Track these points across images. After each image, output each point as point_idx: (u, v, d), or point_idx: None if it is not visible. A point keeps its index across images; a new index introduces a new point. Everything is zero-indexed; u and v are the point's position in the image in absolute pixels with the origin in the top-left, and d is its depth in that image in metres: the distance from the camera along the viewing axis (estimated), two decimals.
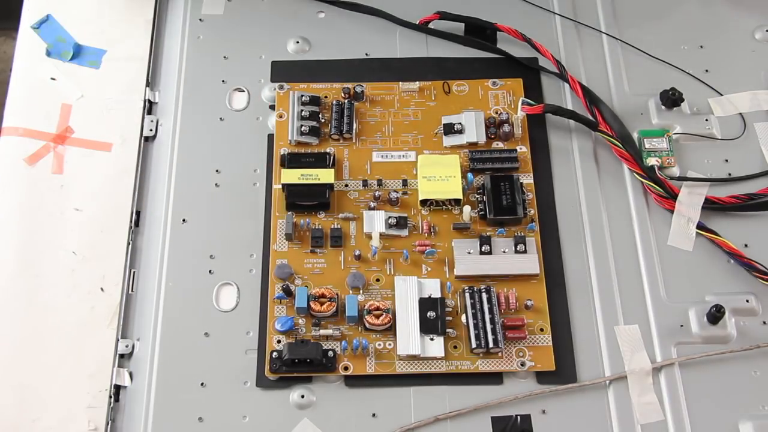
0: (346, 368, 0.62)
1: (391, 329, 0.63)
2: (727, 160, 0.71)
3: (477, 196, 0.68)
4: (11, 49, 0.81)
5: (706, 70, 0.75)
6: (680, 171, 0.70)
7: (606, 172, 0.71)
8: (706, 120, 0.72)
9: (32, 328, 0.65)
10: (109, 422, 0.62)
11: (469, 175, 0.68)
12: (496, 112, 0.71)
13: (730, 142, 0.72)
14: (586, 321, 0.65)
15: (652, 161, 0.70)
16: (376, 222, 0.66)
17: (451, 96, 0.73)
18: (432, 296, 0.63)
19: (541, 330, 0.63)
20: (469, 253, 0.65)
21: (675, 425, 0.61)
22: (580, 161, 0.71)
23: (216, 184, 0.70)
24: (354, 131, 0.70)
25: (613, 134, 0.70)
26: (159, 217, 0.68)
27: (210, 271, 0.66)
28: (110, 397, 0.62)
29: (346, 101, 0.71)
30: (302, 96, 0.71)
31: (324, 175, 0.67)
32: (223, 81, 0.74)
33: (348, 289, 0.64)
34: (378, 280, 0.65)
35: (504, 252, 0.65)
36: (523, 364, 0.62)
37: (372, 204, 0.67)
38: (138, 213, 0.69)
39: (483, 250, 0.65)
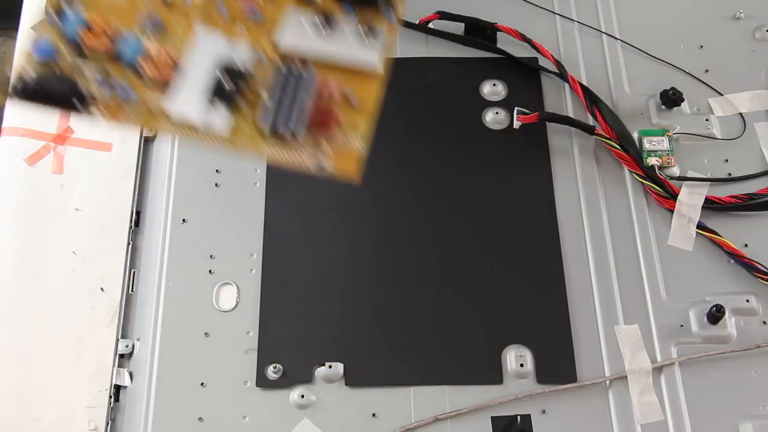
0: (99, 112, 0.50)
1: (169, 85, 0.51)
2: (727, 160, 0.71)
3: None
4: (11, 49, 0.81)
5: (706, 70, 0.75)
6: (680, 171, 0.70)
7: (606, 172, 0.71)
8: (706, 120, 0.72)
9: (32, 328, 0.65)
10: (109, 422, 0.62)
11: None
12: None
13: (730, 142, 0.72)
14: (586, 321, 0.65)
15: (652, 161, 0.70)
16: None
17: None
18: (238, 65, 0.52)
19: (355, 131, 0.51)
20: (305, 28, 0.53)
21: (675, 425, 0.61)
22: (580, 162, 0.71)
23: (216, 184, 0.70)
24: None
25: (612, 136, 0.70)
26: (159, 217, 0.68)
27: (210, 271, 0.66)
28: (110, 397, 0.62)
29: None
30: None
31: None
32: None
33: (136, 27, 0.52)
34: (178, 27, 0.53)
35: (347, 37, 0.52)
36: (320, 165, 0.51)
37: None
38: (138, 213, 0.69)
39: (322, 28, 0.52)
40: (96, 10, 0.53)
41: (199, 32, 0.53)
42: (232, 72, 0.52)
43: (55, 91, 0.51)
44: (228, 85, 0.52)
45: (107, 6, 0.53)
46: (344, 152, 0.51)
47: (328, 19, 0.54)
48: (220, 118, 0.51)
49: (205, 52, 0.52)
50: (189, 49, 0.52)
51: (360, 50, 0.53)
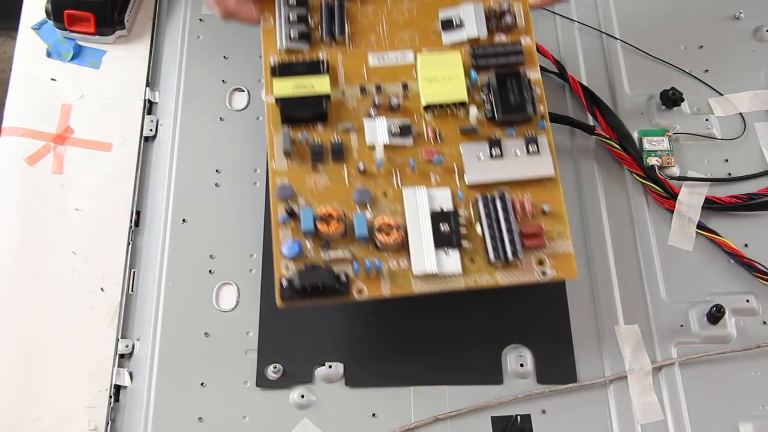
0: (360, 291, 0.57)
1: (404, 247, 0.58)
2: (727, 160, 0.71)
3: (483, 95, 0.63)
4: (11, 49, 0.81)
5: (706, 70, 0.75)
6: (680, 171, 0.70)
7: (606, 172, 0.71)
8: (706, 120, 0.72)
9: (32, 328, 0.65)
10: (109, 422, 0.62)
11: (473, 72, 0.63)
12: (496, 2, 0.65)
13: (730, 142, 0.72)
14: (586, 321, 0.65)
15: (652, 161, 0.70)
16: (378, 132, 0.61)
17: None
18: (444, 208, 0.59)
19: (560, 235, 0.59)
20: (479, 158, 0.61)
21: (675, 425, 0.61)
22: (580, 161, 0.71)
23: (216, 184, 0.70)
24: (346, 33, 0.65)
25: (612, 136, 0.70)
26: (159, 217, 0.68)
27: (210, 271, 0.66)
28: (110, 397, 0.62)
29: (335, 0, 0.66)
30: None
31: (319, 84, 0.62)
32: (223, 81, 0.74)
33: (355, 206, 0.59)
34: (385, 194, 0.60)
35: (516, 154, 0.61)
36: (544, 273, 0.58)
37: (372, 112, 0.62)
38: (138, 213, 0.69)
39: (493, 153, 0.60)
40: (321, 201, 0.59)
41: (405, 192, 0.60)
42: (442, 216, 0.59)
43: (317, 282, 0.57)
44: (444, 228, 0.58)
45: (328, 195, 0.60)
46: (559, 256, 0.59)
47: (494, 143, 0.61)
48: (451, 259, 0.58)
49: (416, 207, 0.59)
50: (406, 210, 0.59)
51: (530, 163, 0.61)
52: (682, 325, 0.64)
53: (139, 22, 0.77)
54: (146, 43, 0.76)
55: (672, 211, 0.68)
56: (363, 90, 0.63)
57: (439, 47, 0.65)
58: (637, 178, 0.69)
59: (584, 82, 0.73)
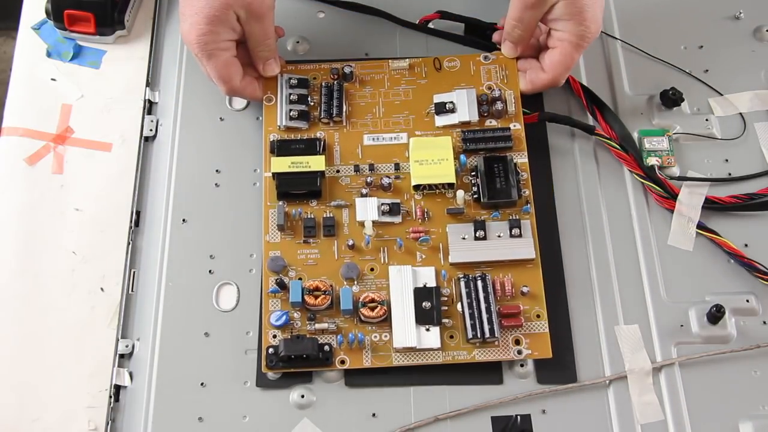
0: (342, 362, 0.61)
1: (386, 321, 0.62)
2: (727, 160, 0.71)
3: (470, 178, 0.67)
4: (11, 49, 0.81)
5: (706, 70, 0.75)
6: (680, 171, 0.70)
7: (606, 172, 0.71)
8: (706, 120, 0.72)
9: (32, 328, 0.65)
10: (109, 422, 0.62)
11: (462, 156, 0.67)
12: (489, 88, 0.70)
13: (730, 142, 0.72)
14: (586, 321, 0.65)
15: (652, 161, 0.70)
16: (368, 209, 0.65)
17: (443, 72, 0.71)
18: (427, 285, 0.63)
19: (538, 316, 0.62)
20: (464, 238, 0.64)
21: (675, 425, 0.61)
22: (580, 161, 0.71)
23: (216, 184, 0.70)
24: (344, 114, 0.69)
25: (612, 136, 0.70)
26: (159, 217, 0.68)
27: (210, 271, 0.66)
28: (110, 397, 0.62)
29: (335, 82, 0.70)
30: (290, 78, 0.70)
31: (314, 163, 0.66)
32: None
33: (342, 280, 0.64)
34: (372, 269, 0.64)
35: (499, 237, 0.64)
36: (520, 353, 0.61)
37: (364, 191, 0.67)
38: (138, 213, 0.69)
39: (477, 235, 0.64)
40: (311, 274, 0.64)
41: (391, 270, 0.64)
42: (425, 292, 0.62)
43: (301, 352, 0.60)
44: (426, 305, 0.62)
45: (317, 268, 0.64)
46: (535, 336, 0.62)
47: (479, 225, 0.64)
48: (431, 335, 0.61)
49: (400, 284, 0.63)
50: (390, 286, 0.63)
51: (512, 245, 0.64)
52: (682, 325, 0.64)
53: (139, 22, 0.77)
54: (146, 43, 0.76)
55: (672, 211, 0.68)
56: (357, 168, 0.68)
57: (432, 129, 0.69)
58: (637, 178, 0.69)
59: (584, 82, 0.73)
